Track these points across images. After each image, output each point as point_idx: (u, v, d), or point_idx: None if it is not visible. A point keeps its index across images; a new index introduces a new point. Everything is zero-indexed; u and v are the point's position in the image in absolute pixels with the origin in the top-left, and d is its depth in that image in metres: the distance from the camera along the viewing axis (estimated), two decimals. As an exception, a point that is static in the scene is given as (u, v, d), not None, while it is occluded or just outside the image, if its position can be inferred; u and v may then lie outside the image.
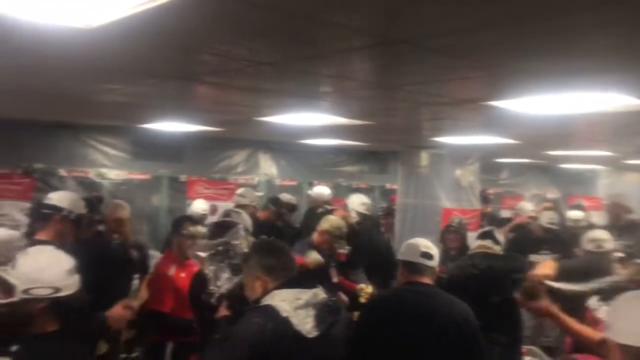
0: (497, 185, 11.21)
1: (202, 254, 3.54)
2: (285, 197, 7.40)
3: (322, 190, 7.42)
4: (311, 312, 2.08)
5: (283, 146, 8.94)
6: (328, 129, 5.90)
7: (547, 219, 6.51)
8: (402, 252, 3.20)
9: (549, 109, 3.84)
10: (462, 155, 7.40)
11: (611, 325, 1.53)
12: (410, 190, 7.34)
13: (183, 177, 8.01)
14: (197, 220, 4.80)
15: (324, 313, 2.09)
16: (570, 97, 3.35)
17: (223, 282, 3.07)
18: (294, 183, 9.22)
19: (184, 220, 4.57)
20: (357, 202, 5.89)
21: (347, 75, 3.11)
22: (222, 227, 3.52)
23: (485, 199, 8.20)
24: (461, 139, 6.42)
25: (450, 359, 2.75)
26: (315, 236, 4.67)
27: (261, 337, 2.02)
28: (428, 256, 3.05)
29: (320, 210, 6.50)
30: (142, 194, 7.67)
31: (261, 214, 6.27)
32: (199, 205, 7.02)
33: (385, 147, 8.78)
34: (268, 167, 9.04)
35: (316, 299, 2.12)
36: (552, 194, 10.71)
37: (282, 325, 2.04)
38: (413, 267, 3.03)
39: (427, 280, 3.02)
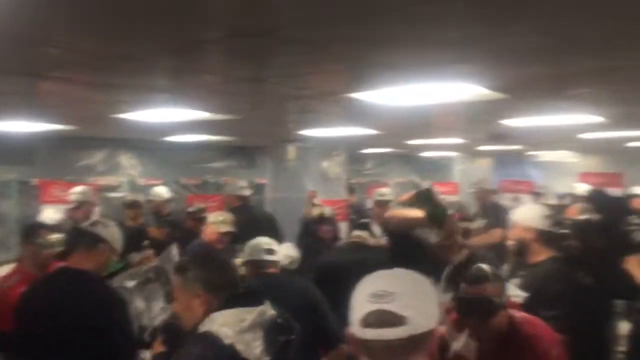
0: (362, 176, 11.57)
1: (129, 284, 3.02)
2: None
3: (161, 191, 6.82)
4: (259, 334, 1.78)
5: (146, 144, 8.54)
6: (192, 125, 5.71)
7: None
8: (247, 253, 3.38)
9: (406, 100, 3.98)
10: (328, 148, 7.53)
11: None
12: (279, 184, 7.36)
13: (34, 181, 7.38)
14: (53, 227, 4.38)
15: (274, 333, 1.81)
16: (426, 88, 3.49)
17: (156, 313, 2.76)
18: (158, 182, 8.86)
19: (35, 227, 4.16)
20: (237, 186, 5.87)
21: (205, 69, 3.00)
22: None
23: (350, 189, 8.40)
24: (327, 132, 6.52)
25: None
26: (206, 235, 4.46)
27: None
28: (271, 252, 3.33)
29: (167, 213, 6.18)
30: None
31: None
32: (49, 215, 6.32)
33: (253, 142, 8.71)
34: (130, 167, 8.61)
35: (263, 317, 1.81)
36: (416, 181, 11.25)
37: (226, 354, 1.74)
38: (260, 264, 3.30)
39: (273, 270, 3.33)
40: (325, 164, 7.55)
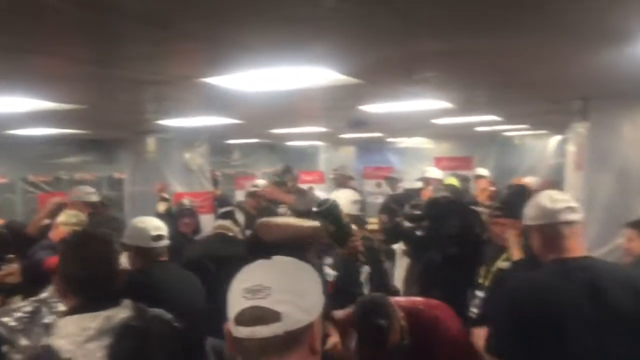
0: (229, 167, 11.42)
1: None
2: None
3: None
4: (105, 342, 1.60)
5: (-14, 139, 7.77)
6: (36, 116, 5.25)
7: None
8: (131, 236, 3.05)
9: (263, 86, 3.94)
10: (189, 139, 7.32)
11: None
12: (139, 178, 7.03)
13: None
14: None
15: (121, 339, 1.61)
16: (281, 72, 3.46)
17: None
18: (4, 180, 8.12)
19: None
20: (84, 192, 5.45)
21: (40, 49, 2.73)
22: None
23: (215, 181, 8.25)
24: (187, 122, 6.31)
25: None
26: (55, 235, 4.05)
27: None
28: (160, 238, 3.07)
29: None
30: None
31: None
32: None
33: (110, 135, 8.23)
34: (-33, 165, 7.80)
35: (111, 323, 1.63)
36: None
37: None
38: (151, 252, 3.03)
39: (164, 258, 3.08)
40: (187, 156, 7.33)
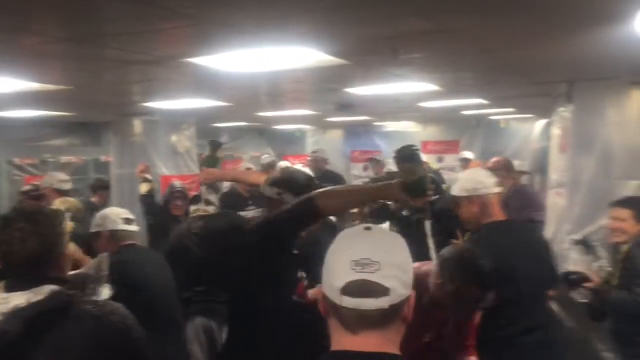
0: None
1: None
2: None
3: None
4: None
5: (-30, 122, 7.69)
6: (21, 98, 5.20)
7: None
8: (101, 224, 3.13)
9: (249, 67, 3.93)
10: (177, 121, 7.29)
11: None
12: (126, 161, 7.00)
13: None
14: None
15: (3, 324, 1.55)
16: (267, 53, 3.46)
17: None
18: (-12, 163, 8.07)
19: None
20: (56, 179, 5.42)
21: (22, 27, 2.71)
22: None
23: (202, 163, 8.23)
24: (174, 104, 6.28)
25: None
26: None
27: None
28: (130, 221, 3.30)
29: None
30: None
31: None
32: None
33: (96, 117, 8.18)
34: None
35: (6, 306, 1.57)
36: (268, 155, 11.28)
37: None
38: (123, 234, 3.22)
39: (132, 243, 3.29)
40: (174, 139, 7.30)
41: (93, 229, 3.24)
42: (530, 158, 9.00)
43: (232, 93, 5.73)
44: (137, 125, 7.00)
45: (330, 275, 1.22)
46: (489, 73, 4.82)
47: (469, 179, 3.21)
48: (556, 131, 5.57)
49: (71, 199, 4.17)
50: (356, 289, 1.18)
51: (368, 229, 1.28)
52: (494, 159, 6.06)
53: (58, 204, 4.10)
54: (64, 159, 9.10)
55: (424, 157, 7.31)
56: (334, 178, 7.26)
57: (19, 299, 1.59)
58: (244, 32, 2.93)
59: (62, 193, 5.26)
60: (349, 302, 1.18)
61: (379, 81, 4.99)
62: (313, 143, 12.60)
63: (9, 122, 7.81)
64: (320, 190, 2.29)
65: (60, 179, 5.40)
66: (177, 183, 6.10)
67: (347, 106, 6.77)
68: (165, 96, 5.78)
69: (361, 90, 5.62)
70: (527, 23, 2.99)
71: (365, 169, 10.08)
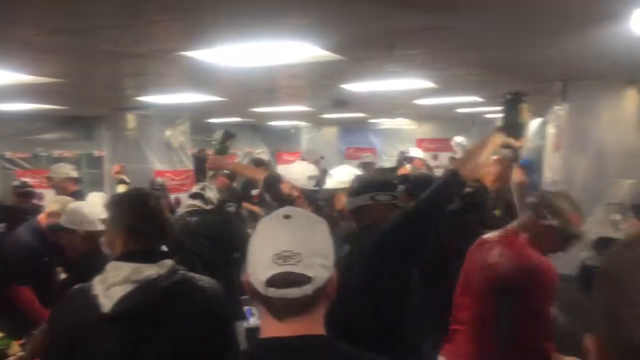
0: (211, 146, 11.33)
1: None
2: None
3: None
4: (127, 288, 1.80)
5: (-39, 114, 7.63)
6: (13, 90, 5.16)
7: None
8: (77, 221, 3.06)
9: (244, 61, 3.90)
10: (171, 116, 7.26)
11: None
12: (119, 156, 6.96)
13: None
14: None
15: (138, 291, 1.80)
16: (263, 47, 3.44)
17: None
18: (-21, 157, 8.00)
19: None
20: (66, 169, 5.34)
21: (14, 19, 2.68)
22: None
23: (203, 160, 8.19)
24: (168, 98, 6.25)
25: None
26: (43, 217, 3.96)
27: (66, 321, 1.85)
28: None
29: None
30: None
31: None
32: None
33: (90, 111, 8.12)
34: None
35: (138, 275, 1.81)
36: (263, 151, 11.26)
37: (87, 305, 1.79)
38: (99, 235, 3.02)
39: None
40: (168, 133, 7.27)
41: (67, 225, 3.08)
42: (525, 157, 9.00)
43: (227, 88, 5.70)
44: (131, 119, 6.97)
45: (254, 266, 1.26)
46: (484, 70, 4.81)
47: None
48: (551, 130, 5.58)
49: (66, 197, 4.08)
50: (280, 280, 1.22)
51: (287, 217, 1.30)
52: (493, 157, 6.05)
53: (52, 202, 4.00)
54: (57, 152, 9.03)
55: (419, 154, 7.35)
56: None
57: (150, 270, 1.83)
58: (239, 25, 2.91)
59: (75, 181, 5.21)
60: (274, 292, 1.23)
61: (375, 77, 4.97)
62: (308, 140, 12.59)
63: (1, 116, 7.75)
64: (456, 161, 2.40)
65: (69, 168, 5.34)
66: (159, 180, 6.05)
67: (342, 102, 6.76)
68: (159, 90, 5.75)
69: (356, 87, 5.60)
70: (522, 21, 2.98)
71: (360, 166, 10.05)
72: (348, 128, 12.49)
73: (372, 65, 4.30)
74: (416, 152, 7.34)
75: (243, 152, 11.67)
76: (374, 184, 2.58)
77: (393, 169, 6.95)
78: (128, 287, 1.80)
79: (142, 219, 1.95)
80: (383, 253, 2.34)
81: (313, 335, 1.28)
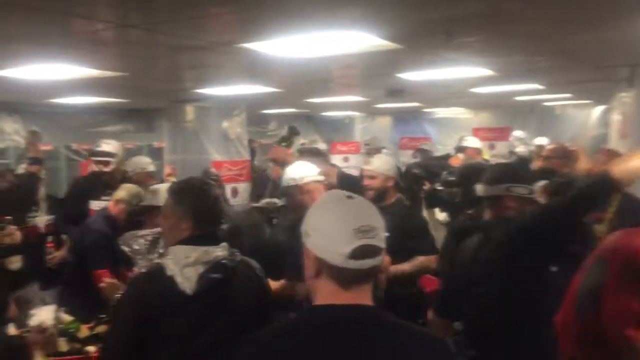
0: (266, 137, 11.46)
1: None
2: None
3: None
4: (200, 269, 1.96)
5: (32, 107, 7.97)
6: (79, 84, 5.37)
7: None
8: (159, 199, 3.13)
9: (302, 52, 3.93)
10: (228, 107, 7.38)
11: (308, 233, 1.44)
12: (178, 147, 7.15)
13: None
14: None
15: (211, 271, 1.98)
16: (320, 37, 3.45)
17: None
18: (49, 148, 8.34)
19: None
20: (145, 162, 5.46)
21: (78, 13, 2.79)
22: None
23: (252, 150, 8.31)
24: (226, 90, 6.36)
25: None
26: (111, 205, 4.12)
27: (143, 300, 1.97)
28: None
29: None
30: None
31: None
32: None
33: (150, 104, 8.36)
34: (14, 132, 8.02)
35: (208, 256, 1.98)
36: (315, 140, 11.31)
37: (166, 284, 1.94)
38: None
39: None
40: (225, 124, 7.40)
41: (152, 202, 3.20)
42: (587, 145, 8.71)
43: (283, 79, 5.75)
44: (189, 111, 7.13)
45: (331, 241, 1.37)
46: (546, 57, 4.68)
47: None
48: (616, 117, 5.39)
49: (131, 185, 4.22)
50: (361, 252, 1.36)
51: (350, 197, 1.44)
52: (549, 146, 5.88)
53: (124, 193, 4.12)
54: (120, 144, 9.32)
55: (476, 143, 7.20)
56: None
57: (217, 252, 2.01)
58: (296, 16, 2.93)
59: (151, 175, 5.34)
60: (354, 263, 1.36)
61: (431, 66, 4.91)
62: (361, 130, 12.55)
63: (67, 109, 8.06)
64: (614, 161, 2.35)
65: (147, 161, 5.47)
66: (212, 170, 6.08)
67: (397, 92, 6.71)
68: (217, 82, 5.85)
69: (412, 76, 5.55)
70: (585, 4, 2.88)
71: (415, 156, 9.94)
72: (402, 117, 12.38)
73: (429, 53, 4.25)
74: (473, 142, 7.19)
75: (297, 143, 11.75)
76: (510, 174, 2.57)
77: (444, 157, 6.84)
78: (200, 268, 1.96)
79: (207, 206, 2.10)
80: (516, 245, 2.37)
81: (365, 305, 1.41)
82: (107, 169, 4.53)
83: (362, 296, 1.41)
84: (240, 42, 3.59)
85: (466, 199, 4.44)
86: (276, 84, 6.16)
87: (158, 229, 2.83)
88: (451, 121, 11.87)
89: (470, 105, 11.12)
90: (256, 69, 4.83)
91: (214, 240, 2.05)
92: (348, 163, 9.88)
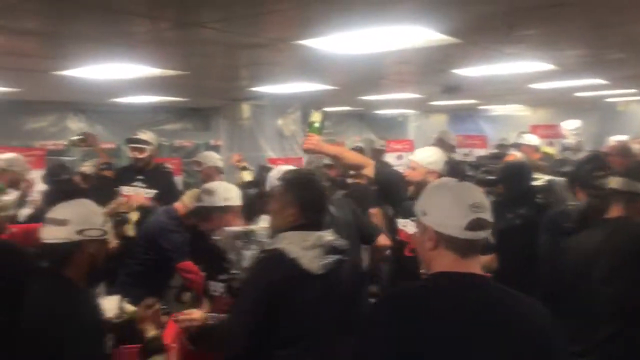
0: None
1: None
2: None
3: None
4: (318, 252, 2.17)
5: (95, 107, 8.29)
6: (141, 84, 5.55)
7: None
8: (229, 198, 3.16)
9: (358, 47, 3.93)
10: (283, 105, 7.45)
11: (425, 212, 1.67)
12: (234, 144, 7.28)
13: (-21, 147, 7.10)
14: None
15: (329, 253, 2.20)
16: (378, 33, 3.44)
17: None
18: (112, 146, 8.64)
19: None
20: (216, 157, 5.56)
21: (145, 12, 2.88)
22: None
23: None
24: (281, 88, 6.43)
25: None
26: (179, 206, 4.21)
27: (273, 280, 2.13)
28: None
29: None
30: None
31: None
32: None
33: (207, 103, 8.55)
34: (79, 131, 8.35)
35: (321, 240, 2.20)
36: (368, 138, 11.28)
37: (291, 266, 2.13)
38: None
39: None
40: (280, 122, 7.48)
41: (221, 203, 3.27)
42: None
43: (338, 76, 5.77)
44: (245, 109, 7.24)
45: (450, 215, 1.60)
46: (611, 50, 4.52)
47: None
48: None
49: (196, 190, 4.29)
50: (475, 224, 1.58)
51: (460, 181, 1.73)
52: (610, 144, 5.70)
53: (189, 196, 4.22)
54: (177, 142, 9.57)
55: (534, 140, 7.02)
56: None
57: (328, 237, 2.23)
58: (354, 11, 2.94)
59: (220, 170, 5.46)
60: (470, 234, 1.58)
61: (490, 61, 4.82)
62: (415, 127, 12.44)
63: (129, 108, 8.34)
64: None
65: (218, 157, 5.60)
66: (269, 167, 6.09)
67: (453, 88, 6.62)
68: (273, 80, 5.92)
69: (469, 71, 5.47)
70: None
71: (468, 154, 9.75)
72: (457, 115, 12.20)
73: (488, 47, 4.18)
74: (530, 138, 7.00)
75: (351, 141, 11.76)
76: None
77: (497, 156, 6.65)
78: (317, 251, 2.17)
79: (316, 195, 2.30)
80: None
81: (478, 273, 1.63)
82: (141, 156, 4.67)
83: (475, 265, 1.62)
84: (297, 39, 3.62)
85: (511, 197, 4.28)
86: (331, 82, 6.19)
87: (245, 226, 2.93)
88: (508, 119, 11.63)
89: (528, 102, 10.85)
90: (311, 66, 4.87)
91: (321, 226, 2.26)
92: (401, 161, 9.82)
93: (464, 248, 1.60)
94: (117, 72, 4.82)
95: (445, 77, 5.89)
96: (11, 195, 3.46)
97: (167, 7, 2.89)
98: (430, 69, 5.37)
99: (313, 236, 2.19)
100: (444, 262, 1.62)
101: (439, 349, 1.50)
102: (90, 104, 8.11)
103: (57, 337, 1.90)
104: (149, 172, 4.57)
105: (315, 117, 3.22)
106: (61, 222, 2.09)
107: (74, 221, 2.09)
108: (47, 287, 1.99)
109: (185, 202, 4.11)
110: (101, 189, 4.82)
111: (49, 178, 5.24)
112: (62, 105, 8.05)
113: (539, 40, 3.95)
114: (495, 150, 7.16)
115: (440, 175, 3.29)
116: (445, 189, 1.69)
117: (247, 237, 2.94)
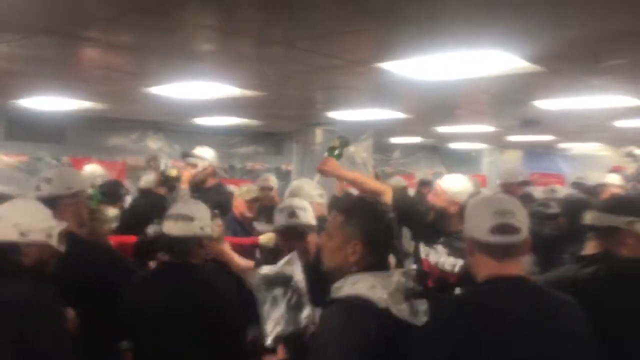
0: (389, 165, 11.48)
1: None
2: None
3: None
4: (402, 297, 1.75)
5: (174, 127, 8.63)
6: (219, 104, 5.71)
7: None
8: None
9: (437, 73, 3.90)
10: (355, 132, 7.47)
11: (465, 221, 1.83)
12: (306, 169, 7.33)
13: (65, 158, 7.55)
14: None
15: (411, 297, 1.78)
16: (458, 57, 3.41)
17: (277, 319, 2.55)
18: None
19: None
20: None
21: (234, 29, 2.98)
22: None
23: (376, 176, 8.33)
24: (354, 114, 6.47)
25: None
26: (236, 207, 4.13)
27: (368, 342, 1.66)
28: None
29: None
30: (20, 176, 7.15)
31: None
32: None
33: (280, 127, 8.71)
34: (158, 149, 8.70)
35: (401, 284, 1.77)
36: (444, 173, 11.13)
37: (385, 320, 1.69)
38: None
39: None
40: (352, 149, 7.49)
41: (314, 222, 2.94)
42: None
43: (412, 103, 5.75)
44: (318, 134, 7.31)
45: (477, 222, 1.73)
46: None
47: None
48: None
49: (249, 185, 4.44)
50: (499, 228, 1.70)
51: (496, 194, 1.91)
52: None
53: (237, 191, 4.30)
54: (249, 165, 9.78)
55: (615, 180, 6.68)
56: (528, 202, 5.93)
57: (406, 280, 1.81)
58: (438, 33, 2.92)
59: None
60: (495, 238, 1.70)
61: (573, 92, 4.67)
62: (489, 163, 12.17)
63: (206, 129, 8.63)
64: None
65: (275, 180, 5.63)
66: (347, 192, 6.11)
67: (532, 122, 6.45)
68: (347, 105, 5.97)
69: (550, 104, 5.31)
70: None
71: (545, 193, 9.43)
72: (533, 152, 11.85)
73: (572, 77, 4.05)
74: (613, 178, 6.69)
75: (422, 173, 11.65)
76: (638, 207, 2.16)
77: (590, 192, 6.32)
78: (401, 295, 1.75)
79: (381, 228, 1.87)
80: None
81: (523, 277, 1.75)
82: (194, 171, 4.73)
83: (512, 267, 1.72)
84: (375, 62, 3.64)
85: (571, 231, 4.02)
86: (405, 109, 6.17)
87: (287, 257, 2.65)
88: (588, 158, 11.20)
89: (610, 141, 10.40)
90: (387, 91, 4.87)
91: (388, 266, 1.84)
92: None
93: (495, 252, 1.71)
94: (199, 92, 5.00)
95: (524, 109, 5.75)
96: (113, 211, 3.49)
97: (252, 22, 2.97)
98: (509, 99, 5.25)
99: (392, 277, 1.76)
100: (483, 267, 1.75)
101: (500, 349, 1.61)
102: (169, 123, 8.45)
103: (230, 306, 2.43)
104: (204, 190, 4.23)
105: (337, 143, 3.32)
106: (189, 219, 2.40)
107: (198, 218, 2.41)
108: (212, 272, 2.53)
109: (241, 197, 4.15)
110: (155, 204, 4.98)
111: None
112: (142, 124, 8.44)
113: (628, 71, 3.79)
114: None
115: (462, 207, 3.03)
116: (480, 199, 1.90)
117: (285, 282, 2.57)
